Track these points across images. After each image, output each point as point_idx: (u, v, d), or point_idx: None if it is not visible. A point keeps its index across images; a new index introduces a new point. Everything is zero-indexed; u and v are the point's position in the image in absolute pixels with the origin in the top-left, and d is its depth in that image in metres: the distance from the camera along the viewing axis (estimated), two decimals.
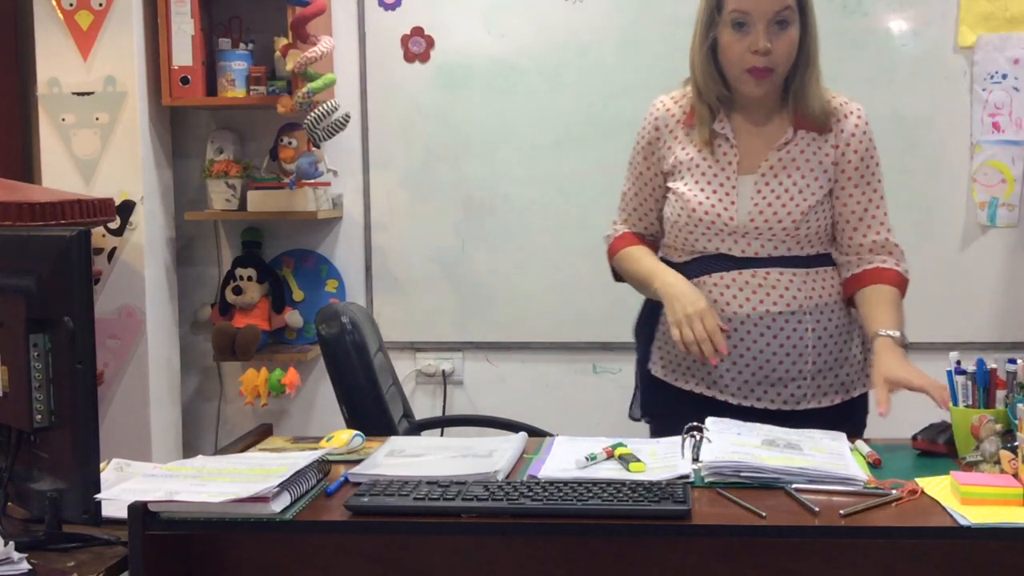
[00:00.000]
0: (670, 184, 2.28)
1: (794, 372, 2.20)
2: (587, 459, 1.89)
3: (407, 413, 3.08)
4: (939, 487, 1.75)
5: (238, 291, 3.51)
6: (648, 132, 2.32)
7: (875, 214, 2.26)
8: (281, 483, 1.68)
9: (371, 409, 2.76)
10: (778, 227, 2.19)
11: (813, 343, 2.20)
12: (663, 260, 2.32)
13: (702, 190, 2.21)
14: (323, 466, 1.88)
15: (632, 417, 2.47)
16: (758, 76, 2.16)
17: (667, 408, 2.30)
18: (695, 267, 2.24)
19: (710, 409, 2.14)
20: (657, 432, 2.29)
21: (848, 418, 2.26)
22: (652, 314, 2.35)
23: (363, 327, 2.84)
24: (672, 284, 2.19)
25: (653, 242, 2.38)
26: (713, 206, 2.20)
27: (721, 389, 2.22)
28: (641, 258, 2.32)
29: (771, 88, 2.21)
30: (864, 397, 2.30)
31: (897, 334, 2.13)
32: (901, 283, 2.24)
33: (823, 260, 2.26)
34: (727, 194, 2.20)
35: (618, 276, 2.45)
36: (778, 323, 2.18)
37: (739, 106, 2.24)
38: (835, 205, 2.26)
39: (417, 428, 3.07)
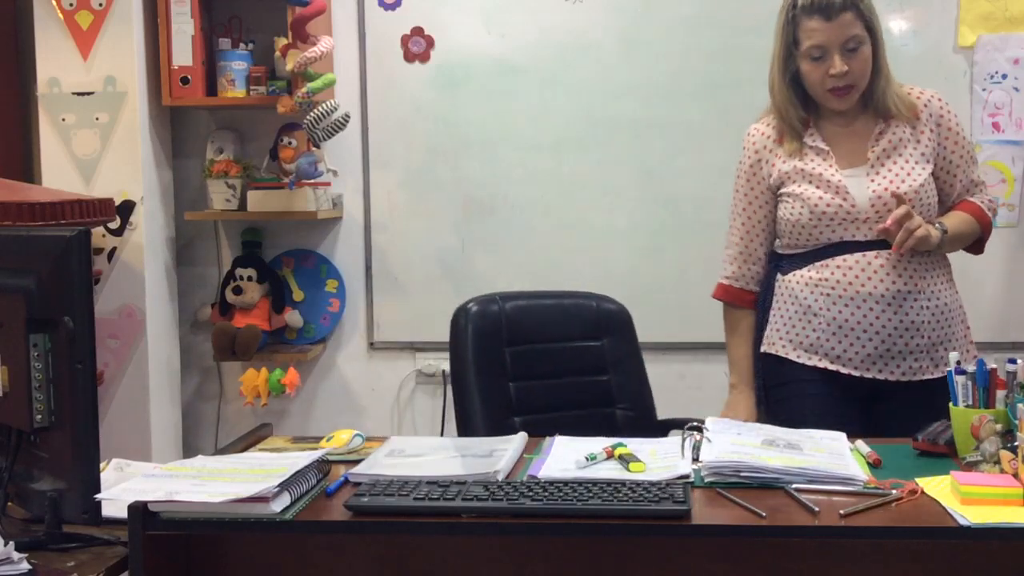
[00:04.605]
0: (781, 191, 2.48)
1: (912, 346, 2.38)
2: (587, 459, 1.89)
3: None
4: (939, 487, 1.75)
5: (238, 291, 3.51)
6: (750, 156, 2.54)
7: (974, 178, 2.52)
8: (281, 483, 1.69)
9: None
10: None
11: (928, 319, 2.39)
12: (778, 255, 2.53)
13: (817, 187, 2.42)
14: (323, 466, 1.88)
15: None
16: (840, 94, 2.41)
17: (788, 379, 2.47)
18: (819, 253, 2.43)
19: (831, 381, 2.40)
20: (774, 404, 2.50)
21: None
22: (767, 289, 2.54)
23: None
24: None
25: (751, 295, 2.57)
26: (833, 198, 2.40)
27: (844, 363, 2.40)
28: (738, 346, 2.58)
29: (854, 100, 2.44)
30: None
31: (940, 223, 2.40)
32: (976, 210, 2.49)
33: None
34: (839, 190, 2.40)
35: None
36: (898, 300, 2.37)
37: (825, 117, 2.48)
38: (945, 180, 2.48)
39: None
